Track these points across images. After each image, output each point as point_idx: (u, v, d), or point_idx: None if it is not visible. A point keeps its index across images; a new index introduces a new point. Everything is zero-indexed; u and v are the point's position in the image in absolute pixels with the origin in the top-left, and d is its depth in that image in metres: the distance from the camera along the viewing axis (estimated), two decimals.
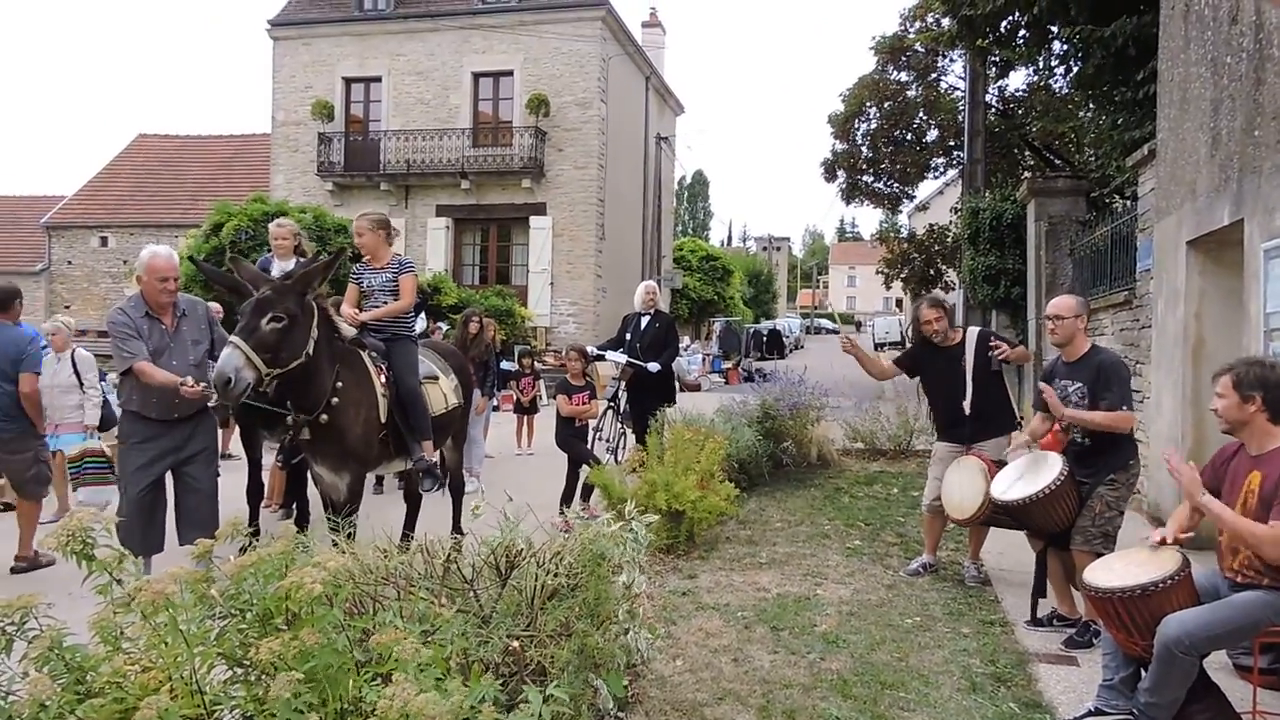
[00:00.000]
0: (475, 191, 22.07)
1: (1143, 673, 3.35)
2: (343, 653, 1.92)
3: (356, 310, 5.38)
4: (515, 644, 2.26)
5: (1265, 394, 3.20)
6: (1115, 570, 3.42)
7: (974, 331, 5.56)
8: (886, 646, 4.33)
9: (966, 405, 5.37)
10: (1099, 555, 4.05)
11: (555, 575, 2.51)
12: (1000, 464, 4.99)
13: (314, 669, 1.88)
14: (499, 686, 1.88)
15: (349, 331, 4.95)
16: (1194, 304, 6.68)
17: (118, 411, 5.39)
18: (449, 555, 2.61)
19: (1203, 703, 3.28)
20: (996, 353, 5.29)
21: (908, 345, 5.94)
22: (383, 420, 4.95)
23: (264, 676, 2.07)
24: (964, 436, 5.40)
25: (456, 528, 5.87)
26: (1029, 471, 4.56)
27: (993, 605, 5.08)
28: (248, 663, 2.06)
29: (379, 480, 8.21)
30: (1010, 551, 5.75)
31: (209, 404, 4.87)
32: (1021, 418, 5.80)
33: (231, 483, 6.31)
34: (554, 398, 7.46)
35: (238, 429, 6.14)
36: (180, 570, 1.85)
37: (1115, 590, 3.29)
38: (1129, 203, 9.35)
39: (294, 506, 6.42)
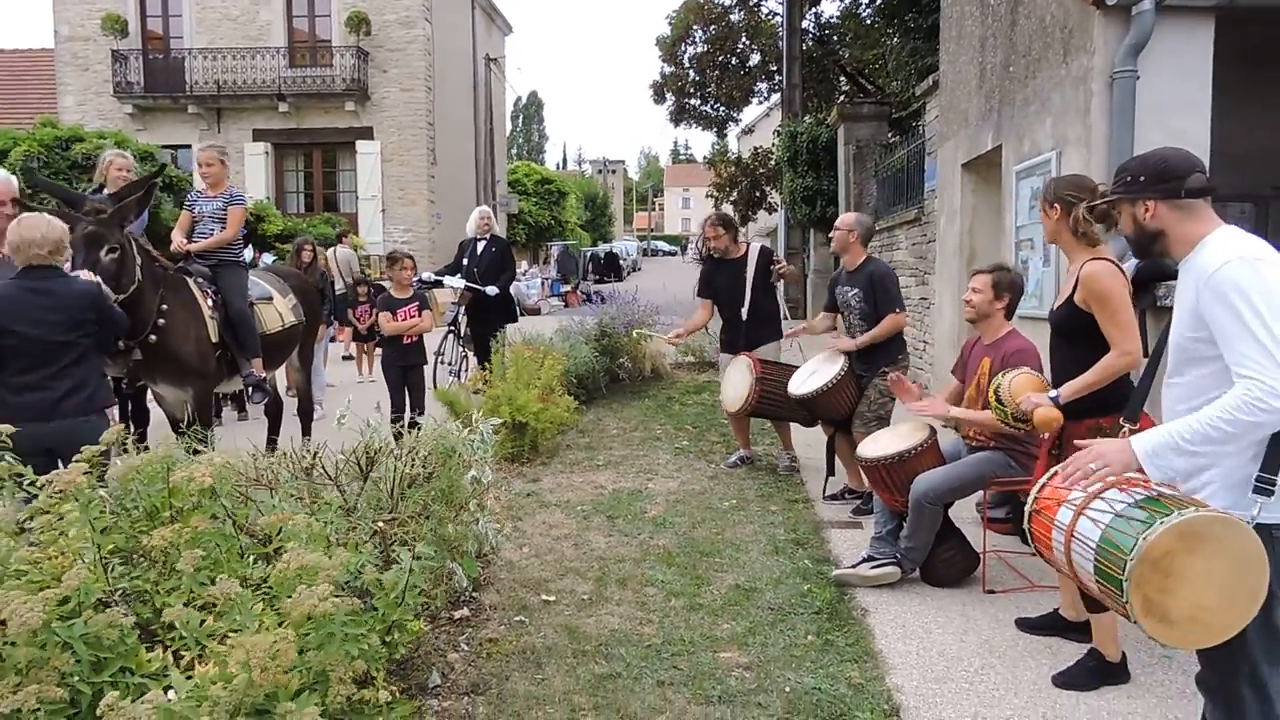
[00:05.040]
0: (295, 115, 21.01)
1: (904, 525, 4.11)
2: (230, 536, 2.24)
3: (185, 239, 5.67)
4: (381, 524, 2.63)
5: (1012, 296, 3.95)
6: (880, 443, 4.16)
7: (756, 246, 6.21)
8: (706, 525, 4.99)
9: (744, 313, 6.04)
10: None
11: (413, 466, 2.89)
12: (767, 363, 5.79)
13: (204, 549, 2.19)
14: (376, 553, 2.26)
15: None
16: (968, 219, 7.65)
17: None
18: (315, 454, 2.93)
19: (948, 543, 4.09)
20: (777, 268, 5.99)
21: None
22: (214, 340, 5.28)
23: (154, 565, 2.37)
24: (739, 344, 6.09)
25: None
26: (819, 369, 5.29)
27: (798, 487, 5.86)
28: (139, 554, 2.35)
29: (241, 406, 8.25)
30: (817, 444, 6.54)
31: None
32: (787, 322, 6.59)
33: None
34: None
35: None
36: (82, 465, 2.10)
37: (879, 458, 4.02)
38: (923, 127, 10.32)
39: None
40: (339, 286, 11.70)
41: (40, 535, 2.09)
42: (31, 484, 2.17)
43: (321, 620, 1.97)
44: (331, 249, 12.88)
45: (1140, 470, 2.13)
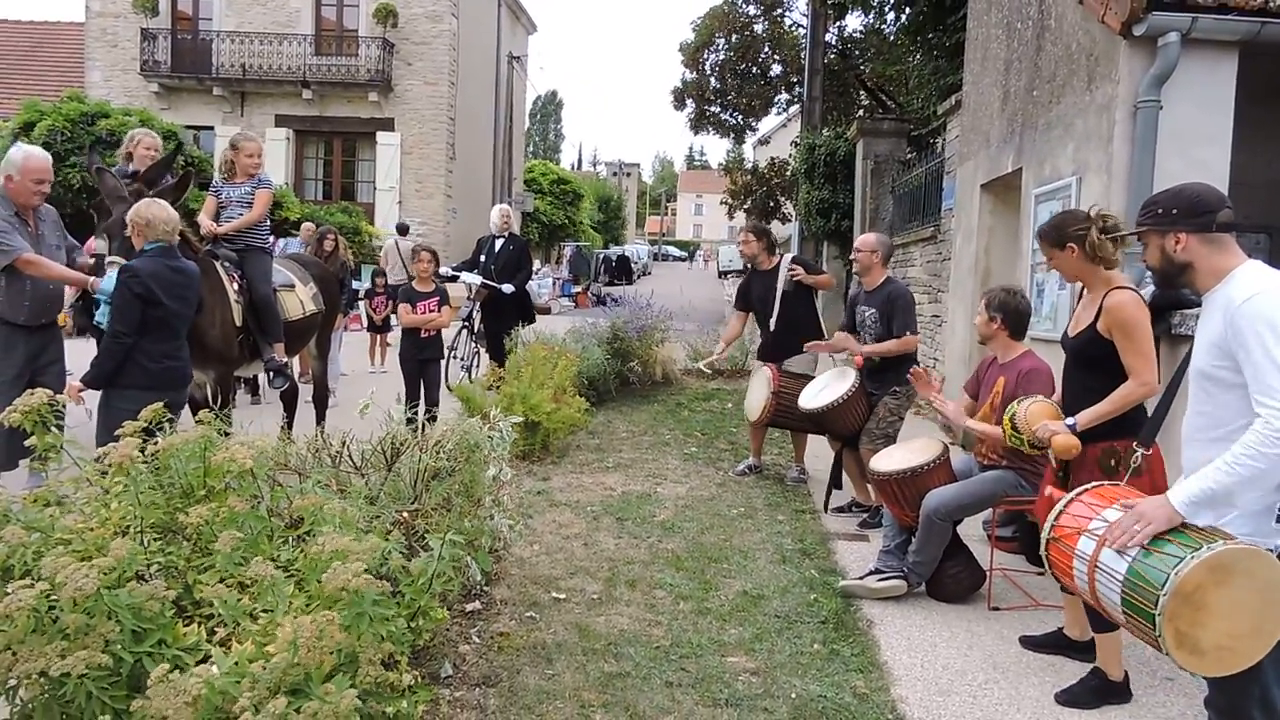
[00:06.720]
0: (318, 102, 21.12)
1: (913, 540, 4.16)
2: (264, 517, 2.30)
3: (213, 223, 5.73)
4: (405, 515, 2.69)
5: (1004, 316, 4.02)
6: (894, 458, 4.22)
7: (788, 257, 6.25)
8: (714, 531, 5.04)
9: (771, 323, 6.09)
10: None
11: (437, 459, 2.95)
12: (787, 373, 5.83)
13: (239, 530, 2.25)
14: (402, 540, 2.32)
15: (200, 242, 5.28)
16: (984, 239, 7.69)
17: None
18: (344, 443, 2.99)
19: (955, 559, 4.14)
20: (791, 274, 5.99)
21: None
22: (238, 324, 5.36)
23: (185, 542, 2.43)
24: (769, 355, 6.13)
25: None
26: (830, 384, 5.35)
27: (806, 498, 5.90)
28: (174, 529, 2.42)
29: (254, 391, 8.36)
30: (824, 457, 6.58)
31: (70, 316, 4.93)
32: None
33: None
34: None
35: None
36: (132, 439, 2.16)
37: (892, 473, 4.07)
38: (942, 146, 10.35)
39: None
40: (399, 275, 11.81)
41: (84, 506, 2.15)
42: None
43: (354, 599, 2.03)
44: (392, 239, 13.48)
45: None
